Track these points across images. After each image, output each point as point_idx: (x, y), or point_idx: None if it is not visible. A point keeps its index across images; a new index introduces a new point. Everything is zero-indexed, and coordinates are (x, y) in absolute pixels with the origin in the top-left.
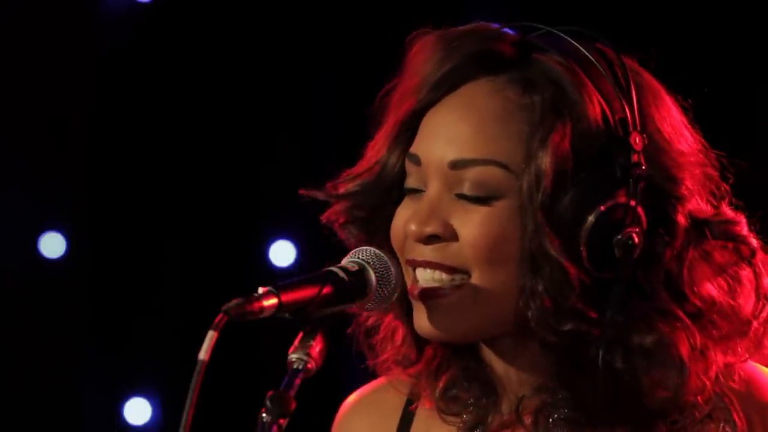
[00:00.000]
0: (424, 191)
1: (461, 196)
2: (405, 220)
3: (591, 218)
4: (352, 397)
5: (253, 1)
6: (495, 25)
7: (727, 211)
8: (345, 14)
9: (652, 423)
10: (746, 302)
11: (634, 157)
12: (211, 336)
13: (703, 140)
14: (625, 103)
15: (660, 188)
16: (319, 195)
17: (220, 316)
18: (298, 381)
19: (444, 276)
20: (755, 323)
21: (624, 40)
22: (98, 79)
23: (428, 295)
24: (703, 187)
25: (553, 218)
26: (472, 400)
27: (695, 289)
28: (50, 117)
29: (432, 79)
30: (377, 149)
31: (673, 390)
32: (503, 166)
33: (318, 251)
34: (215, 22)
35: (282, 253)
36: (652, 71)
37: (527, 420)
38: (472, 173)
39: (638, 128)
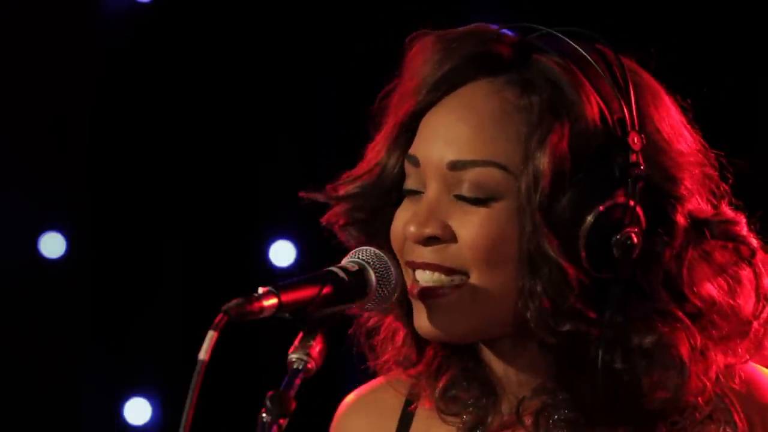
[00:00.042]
0: (423, 192)
1: (460, 198)
2: (404, 221)
3: (590, 218)
4: (351, 397)
5: (253, 1)
6: (494, 26)
7: (727, 211)
8: (345, 14)
9: (652, 424)
10: (746, 302)
11: (633, 157)
12: (211, 336)
13: (702, 140)
14: (623, 103)
15: (659, 188)
16: (320, 197)
17: (220, 316)
18: (298, 381)
19: (443, 277)
20: (755, 324)
21: (624, 40)
22: (98, 79)
23: (427, 295)
24: (703, 187)
25: (551, 219)
26: (471, 400)
27: (695, 289)
28: (50, 117)
29: (431, 80)
30: (377, 151)
31: (673, 391)
32: (502, 167)
33: (318, 251)
34: (215, 22)
35: (282, 253)
36: (652, 71)
37: (527, 421)
38: (471, 174)
39: (636, 128)
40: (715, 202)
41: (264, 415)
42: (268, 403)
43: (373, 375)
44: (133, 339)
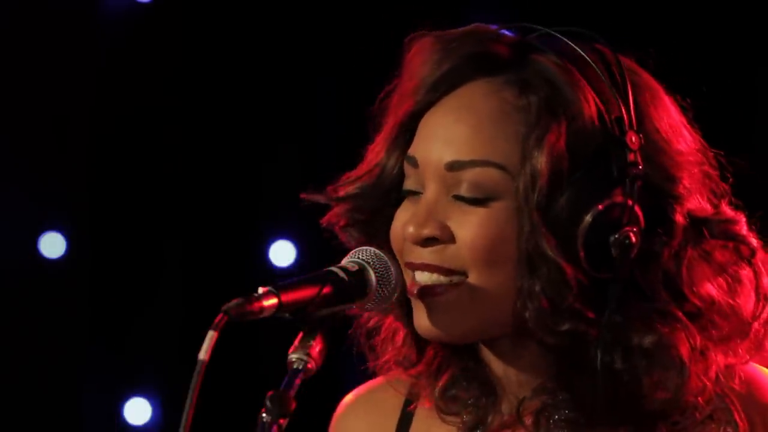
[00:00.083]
0: (422, 193)
1: (459, 198)
2: (403, 222)
3: (588, 218)
4: (349, 397)
5: (253, 1)
6: (493, 27)
7: (727, 210)
8: (345, 14)
9: (652, 424)
10: (746, 302)
11: (631, 156)
12: (211, 336)
13: (702, 140)
14: (621, 103)
15: (658, 187)
16: (320, 198)
17: (220, 316)
18: (298, 381)
19: (442, 278)
20: (756, 324)
21: (623, 40)
22: (98, 79)
23: (426, 294)
24: (703, 186)
25: (549, 218)
26: (471, 400)
27: (694, 288)
28: (50, 117)
29: (429, 81)
30: (376, 152)
31: (673, 391)
32: (500, 167)
33: (318, 251)
34: (215, 22)
35: (282, 253)
36: (651, 71)
37: (527, 420)
38: (470, 174)
39: (635, 127)
40: (716, 202)
41: (264, 415)
42: (268, 403)
43: (372, 375)
44: (133, 339)
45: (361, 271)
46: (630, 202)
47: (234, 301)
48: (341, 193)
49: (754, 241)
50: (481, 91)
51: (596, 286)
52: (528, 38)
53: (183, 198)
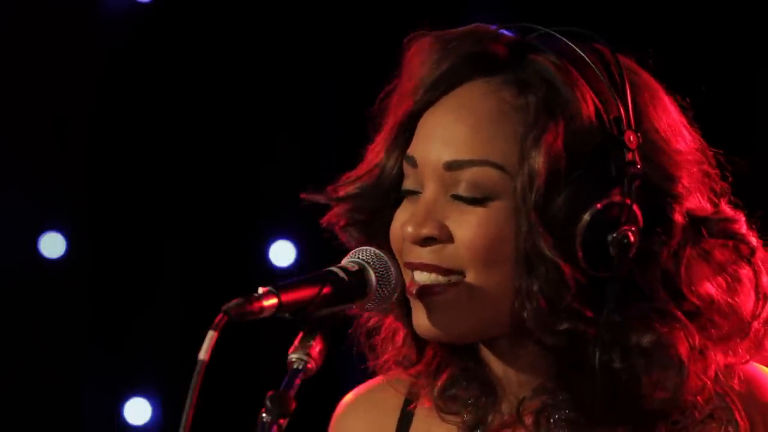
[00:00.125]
0: (421, 193)
1: (457, 197)
2: (402, 222)
3: (586, 217)
4: (349, 396)
5: (253, 1)
6: (493, 27)
7: (726, 210)
8: (345, 14)
9: (652, 423)
10: (746, 301)
11: (629, 156)
12: (211, 336)
13: (701, 139)
14: (619, 102)
15: (657, 187)
16: (320, 198)
17: (220, 316)
18: (298, 381)
19: (440, 278)
20: (755, 323)
21: (623, 40)
22: (98, 79)
23: (425, 293)
24: (702, 186)
25: (546, 218)
26: (471, 399)
27: (693, 288)
28: (50, 117)
29: (428, 81)
30: (376, 152)
31: (672, 390)
32: (499, 167)
33: (318, 251)
34: (215, 22)
35: (282, 253)
36: (651, 71)
37: (528, 420)
38: (468, 174)
39: (633, 126)
40: (715, 201)
41: (264, 415)
42: (268, 403)
43: (372, 375)
44: (133, 339)
45: (361, 271)
46: (628, 201)
47: (234, 301)
48: (341, 193)
49: (753, 240)
50: (479, 91)
51: (595, 286)
52: (527, 38)
53: (183, 198)
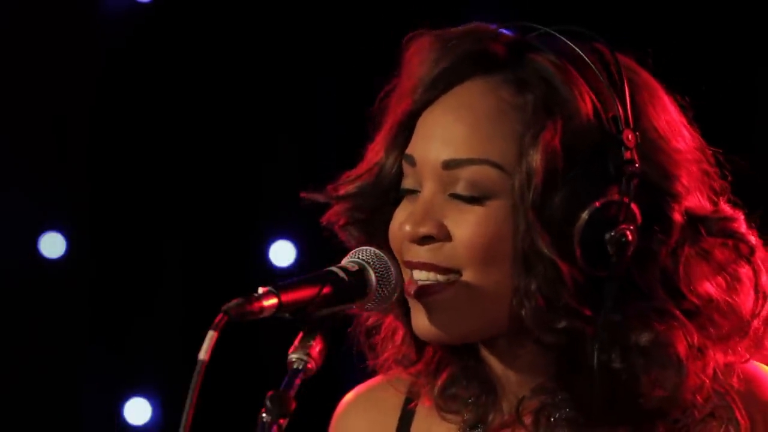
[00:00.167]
0: (420, 192)
1: (455, 196)
2: (401, 221)
3: (584, 215)
4: (350, 395)
5: (253, 1)
6: (493, 26)
7: (726, 208)
8: (345, 14)
9: (651, 423)
10: (745, 300)
11: (627, 154)
12: (211, 336)
13: (701, 139)
14: (618, 101)
15: (655, 185)
16: (320, 197)
17: (220, 316)
18: (298, 381)
19: (439, 276)
20: (755, 322)
21: (623, 39)
22: (98, 79)
23: (423, 293)
24: (702, 184)
25: (544, 216)
26: (471, 398)
27: (692, 286)
28: (50, 117)
29: (427, 79)
30: (376, 151)
31: (671, 389)
32: (497, 165)
33: (318, 251)
34: (215, 22)
35: (282, 253)
36: (651, 70)
37: (527, 420)
38: (466, 173)
39: (631, 125)
40: (715, 200)
41: (264, 415)
42: (268, 403)
43: (372, 374)
44: (133, 339)
45: (361, 271)
46: (626, 200)
47: (234, 301)
48: (341, 192)
49: (753, 239)
50: (478, 90)
51: (593, 285)
52: (527, 37)
53: (183, 198)
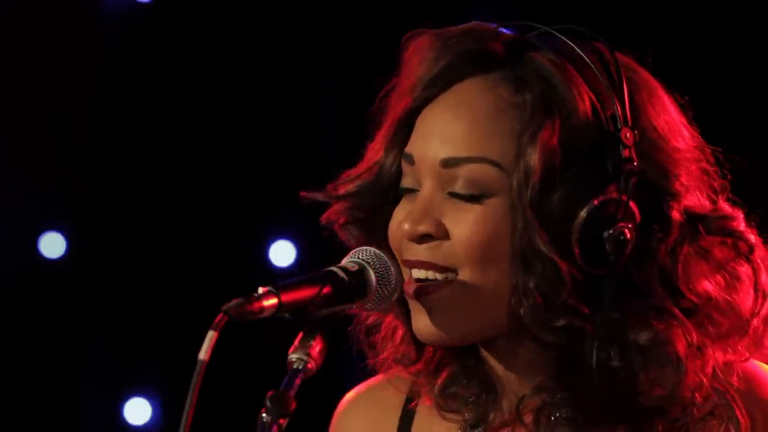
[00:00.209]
0: (419, 191)
1: (454, 195)
2: (399, 220)
3: (582, 213)
4: (350, 395)
5: (253, 1)
6: (492, 25)
7: (725, 207)
8: (345, 14)
9: (650, 421)
10: (745, 299)
11: (625, 153)
12: (211, 336)
13: (701, 138)
14: (616, 100)
15: (654, 184)
16: (320, 196)
17: (220, 316)
18: (298, 381)
19: (438, 275)
20: (755, 321)
21: (623, 39)
22: (98, 79)
23: (422, 293)
24: (701, 183)
25: (542, 215)
26: (472, 397)
27: (691, 285)
28: (50, 117)
29: (427, 78)
30: (376, 150)
31: (669, 388)
32: (496, 164)
33: (318, 251)
34: (215, 22)
35: (282, 253)
36: (651, 70)
37: (527, 419)
38: (465, 171)
39: (630, 124)
40: (714, 198)
41: (264, 415)
42: (268, 403)
43: (372, 374)
44: (133, 339)
45: (361, 271)
46: (624, 198)
47: (234, 301)
48: (341, 191)
49: (752, 238)
50: (477, 88)
51: (591, 283)
52: (526, 36)
53: (183, 198)
